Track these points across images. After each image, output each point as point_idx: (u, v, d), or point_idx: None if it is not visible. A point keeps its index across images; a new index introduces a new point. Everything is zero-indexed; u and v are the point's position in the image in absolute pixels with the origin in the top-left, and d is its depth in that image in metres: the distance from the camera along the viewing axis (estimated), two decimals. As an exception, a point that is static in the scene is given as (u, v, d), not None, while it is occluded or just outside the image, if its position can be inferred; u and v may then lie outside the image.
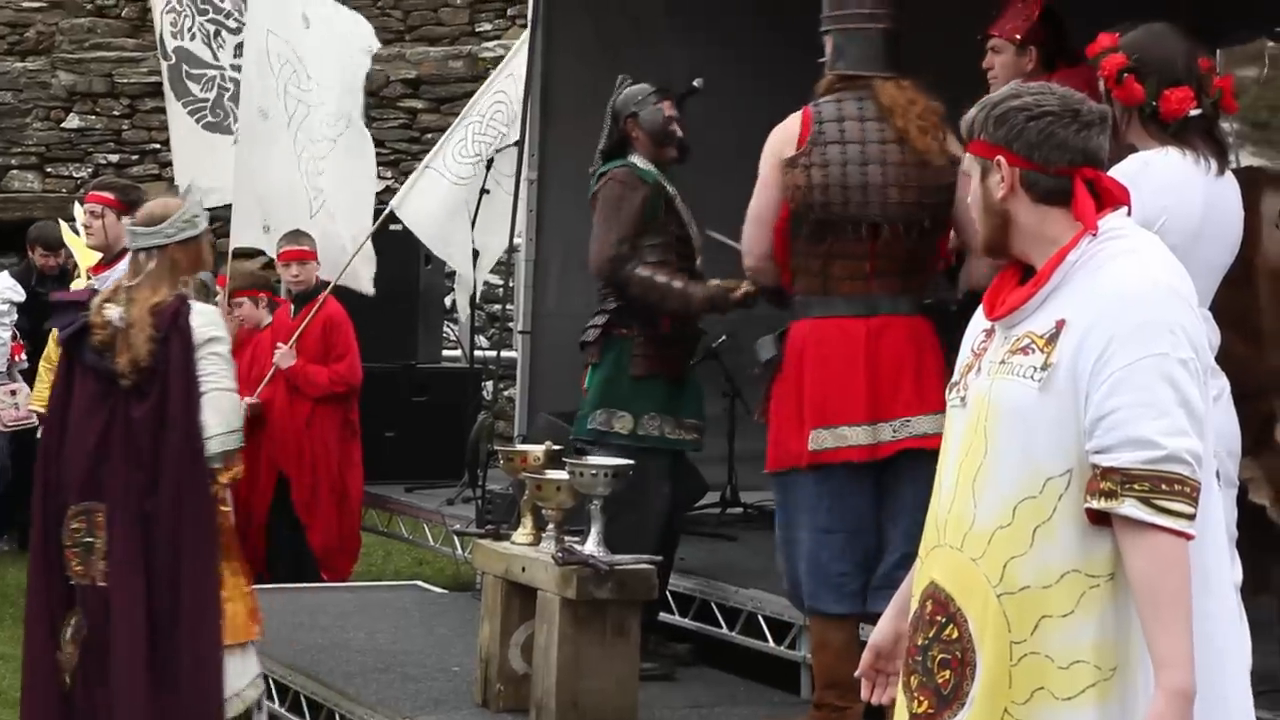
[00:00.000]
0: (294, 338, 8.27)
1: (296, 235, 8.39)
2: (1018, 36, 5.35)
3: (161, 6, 8.82)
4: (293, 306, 8.51)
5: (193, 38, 8.65)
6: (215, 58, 8.56)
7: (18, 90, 13.59)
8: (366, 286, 8.63)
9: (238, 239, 8.53)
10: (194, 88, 8.77)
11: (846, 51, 5.03)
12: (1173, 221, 3.66)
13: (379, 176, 13.58)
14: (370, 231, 8.72)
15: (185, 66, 8.76)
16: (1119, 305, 2.62)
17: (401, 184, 12.84)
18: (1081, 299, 2.65)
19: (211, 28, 8.58)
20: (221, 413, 5.12)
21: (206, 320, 5.16)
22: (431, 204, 8.96)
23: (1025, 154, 2.72)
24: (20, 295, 9.72)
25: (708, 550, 6.73)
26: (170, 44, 8.73)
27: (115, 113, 13.64)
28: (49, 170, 13.55)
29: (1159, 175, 3.78)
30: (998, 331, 2.77)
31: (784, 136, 4.96)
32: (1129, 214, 2.78)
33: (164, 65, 9.00)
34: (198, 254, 5.24)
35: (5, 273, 9.97)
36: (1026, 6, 5.40)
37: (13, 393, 9.65)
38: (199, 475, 5.04)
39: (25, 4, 14.39)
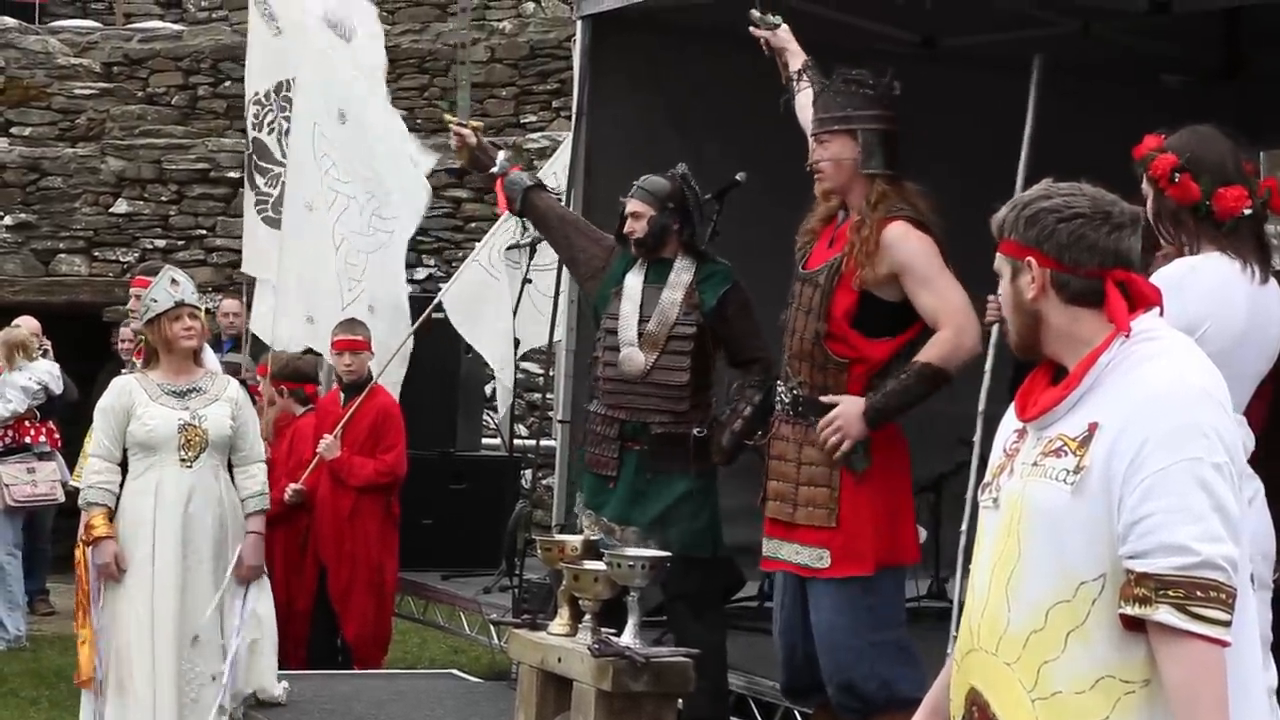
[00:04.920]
0: (339, 427, 8.26)
1: (351, 325, 8.42)
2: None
3: (250, 96, 8.95)
4: (342, 395, 8.51)
5: (270, 132, 8.78)
6: (282, 155, 8.69)
7: (67, 175, 13.76)
8: (393, 390, 8.65)
9: (281, 334, 8.59)
10: (260, 180, 8.87)
11: (876, 152, 5.09)
12: (1215, 327, 3.65)
13: (422, 264, 13.75)
14: (412, 329, 8.78)
15: (256, 158, 8.88)
16: (1152, 408, 2.60)
17: (444, 271, 12.98)
18: (1114, 402, 2.64)
19: (285, 124, 8.72)
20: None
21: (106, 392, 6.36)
22: (469, 294, 9.07)
23: (1056, 255, 2.71)
24: (57, 386, 9.86)
25: (746, 644, 6.68)
26: (250, 133, 8.88)
27: (163, 198, 13.78)
28: (96, 254, 13.68)
29: (1205, 281, 3.77)
30: (1030, 432, 2.75)
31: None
32: (1161, 315, 2.76)
33: (245, 153, 9.16)
34: (155, 332, 6.27)
35: (53, 364, 10.09)
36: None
37: (31, 470, 9.76)
38: None
39: (77, 91, 14.60)
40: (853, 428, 4.96)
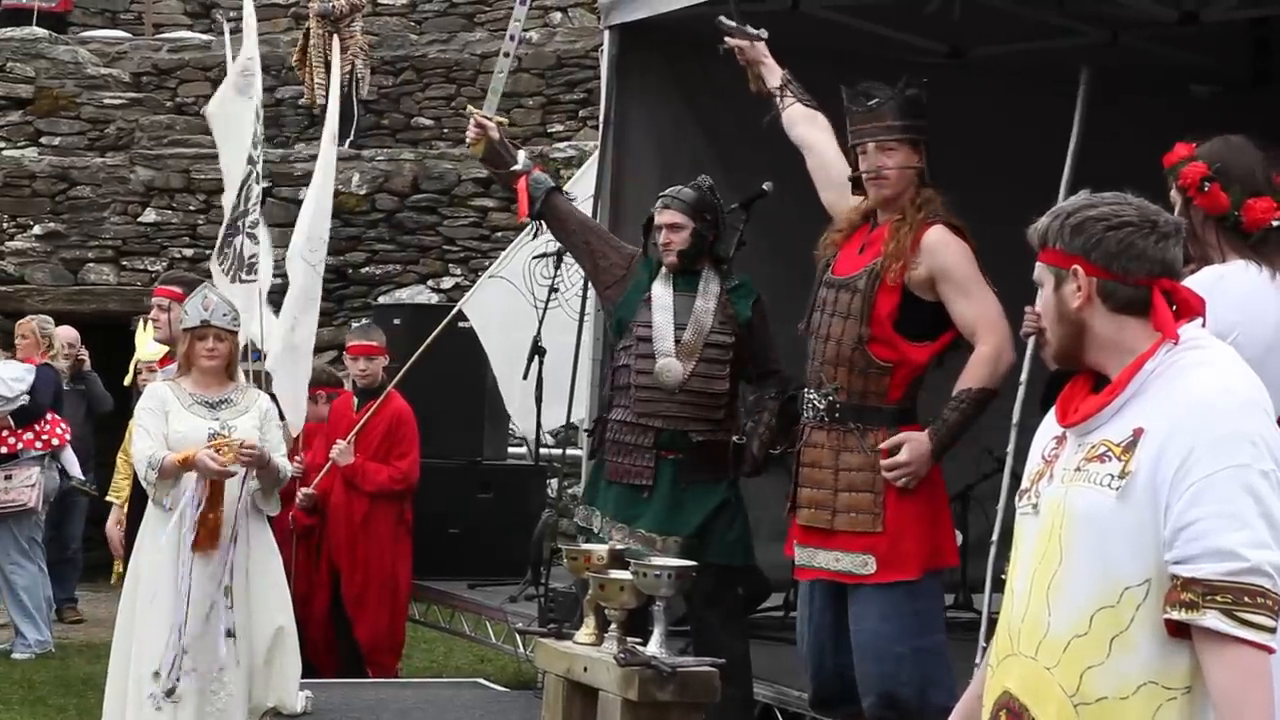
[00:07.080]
0: (353, 433, 8.27)
1: (366, 330, 8.43)
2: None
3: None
4: (355, 400, 8.52)
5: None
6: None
7: (97, 185, 13.82)
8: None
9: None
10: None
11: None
12: (1245, 336, 3.64)
13: (449, 273, 13.76)
14: (431, 337, 8.70)
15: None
16: (1200, 416, 2.60)
17: (470, 280, 12.98)
18: (1160, 408, 2.64)
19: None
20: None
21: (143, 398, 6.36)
22: (498, 313, 9.04)
23: (1104, 264, 2.71)
24: (11, 390, 9.49)
25: (772, 654, 6.68)
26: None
27: (191, 208, 13.84)
28: (125, 263, 13.73)
29: (1233, 289, 3.76)
30: (1070, 438, 2.75)
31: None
32: (1204, 324, 2.76)
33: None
34: (183, 344, 6.28)
35: (12, 363, 9.74)
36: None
37: (8, 477, 9.57)
38: None
39: (106, 100, 14.67)
40: (924, 469, 5.00)
